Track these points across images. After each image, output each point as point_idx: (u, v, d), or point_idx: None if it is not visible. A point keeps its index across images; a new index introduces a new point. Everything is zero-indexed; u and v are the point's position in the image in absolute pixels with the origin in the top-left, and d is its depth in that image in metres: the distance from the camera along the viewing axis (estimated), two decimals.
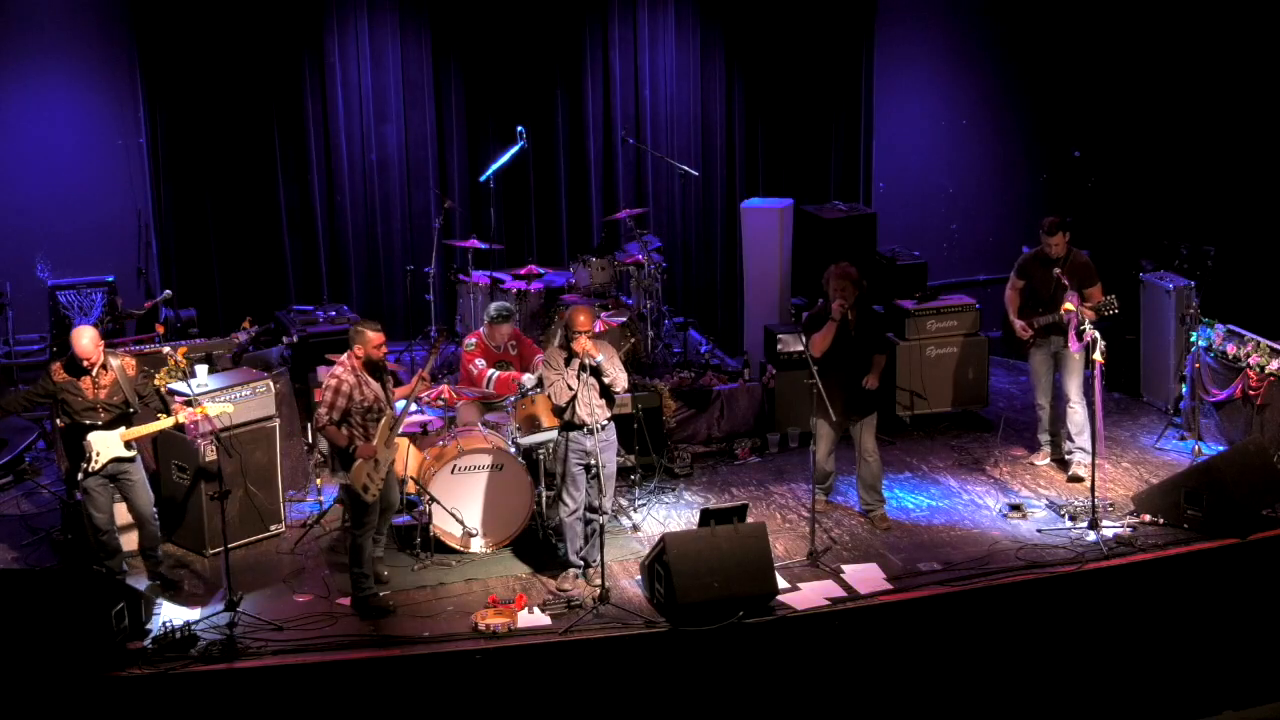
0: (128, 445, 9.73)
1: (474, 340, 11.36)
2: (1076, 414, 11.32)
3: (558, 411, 9.91)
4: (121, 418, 9.74)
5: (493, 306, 11.36)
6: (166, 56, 13.29)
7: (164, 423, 9.83)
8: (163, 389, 10.19)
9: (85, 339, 9.60)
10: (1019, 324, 11.46)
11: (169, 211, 13.54)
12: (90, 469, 9.60)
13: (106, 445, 9.64)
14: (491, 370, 11.15)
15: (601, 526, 9.95)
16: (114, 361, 9.74)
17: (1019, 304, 11.51)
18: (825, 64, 14.80)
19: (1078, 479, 11.26)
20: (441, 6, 13.96)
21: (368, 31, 13.84)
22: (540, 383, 10.13)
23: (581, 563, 10.07)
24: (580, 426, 9.79)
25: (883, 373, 10.83)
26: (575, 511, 9.94)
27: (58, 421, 9.89)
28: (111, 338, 12.23)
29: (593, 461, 9.80)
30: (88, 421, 9.63)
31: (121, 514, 10.06)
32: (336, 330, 12.17)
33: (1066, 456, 11.54)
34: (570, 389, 9.72)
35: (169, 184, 13.50)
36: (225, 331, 12.22)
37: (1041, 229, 11.31)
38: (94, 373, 9.63)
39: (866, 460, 10.84)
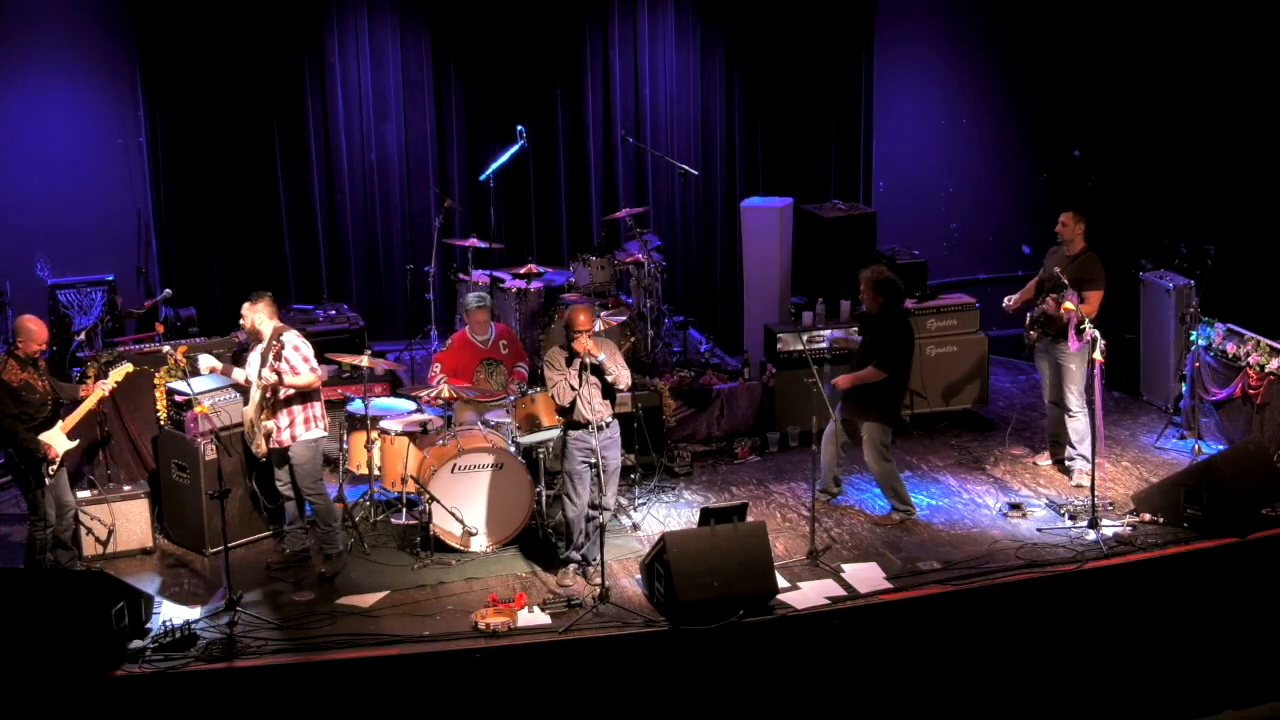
0: (70, 435, 9.74)
1: (451, 339, 11.44)
2: (1077, 423, 11.25)
3: (561, 411, 9.91)
4: (55, 410, 9.75)
5: (469, 296, 11.47)
6: (166, 56, 13.28)
7: (90, 401, 9.82)
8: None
9: (38, 326, 9.61)
10: (1011, 299, 11.45)
11: (169, 211, 13.54)
12: (53, 469, 9.60)
13: (56, 441, 9.65)
14: (441, 376, 11.11)
15: (602, 526, 9.96)
16: None
17: (1028, 293, 11.46)
18: (825, 63, 14.79)
19: (1080, 486, 11.22)
20: (441, 6, 13.95)
21: (368, 31, 13.83)
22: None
23: (580, 558, 10.08)
24: (584, 425, 9.80)
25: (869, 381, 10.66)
26: (580, 510, 9.96)
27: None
28: (111, 336, 12.25)
29: (595, 460, 9.81)
30: (42, 418, 9.62)
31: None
32: (336, 329, 12.17)
33: (1068, 462, 11.51)
34: (573, 389, 9.72)
35: (169, 183, 13.49)
36: (225, 331, 12.22)
37: None
38: (37, 366, 9.65)
39: (867, 463, 10.89)
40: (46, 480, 9.63)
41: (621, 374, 9.86)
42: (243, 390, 10.28)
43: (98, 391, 9.81)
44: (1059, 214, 11.42)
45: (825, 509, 11.02)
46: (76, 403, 9.83)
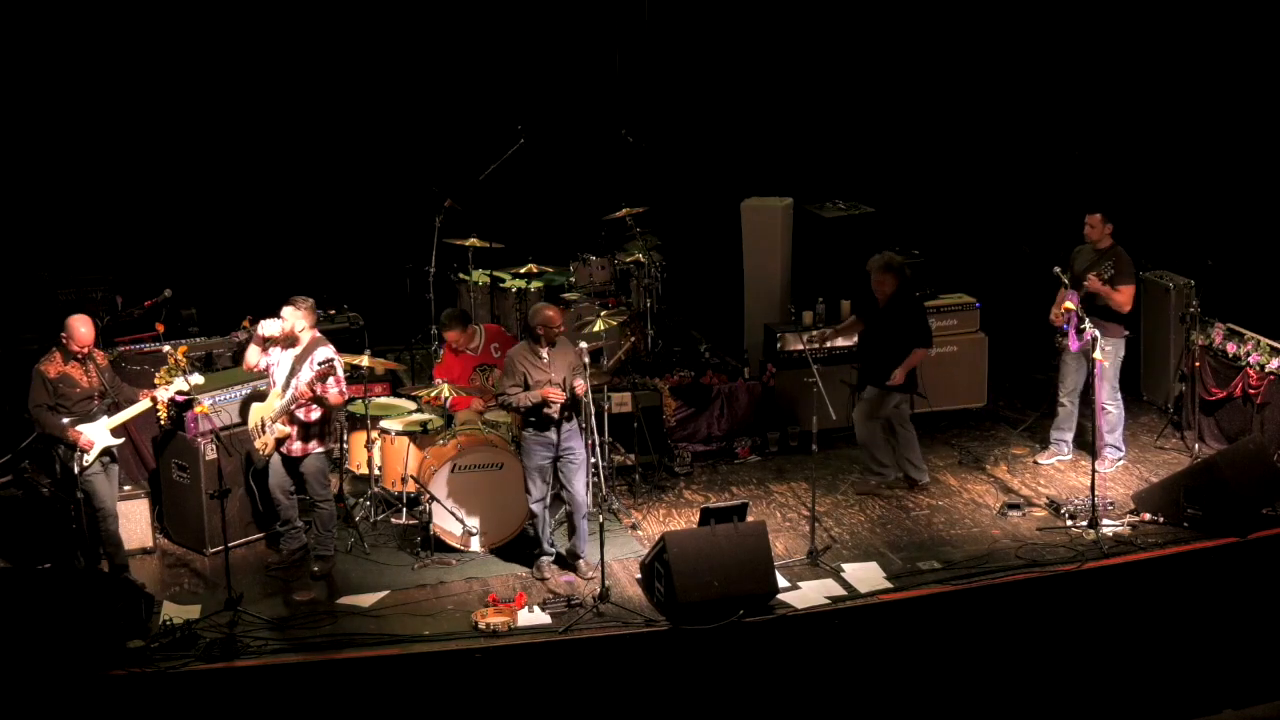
0: (114, 433, 9.75)
1: (442, 352, 11.48)
2: (1111, 415, 11.35)
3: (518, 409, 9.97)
4: (107, 407, 9.76)
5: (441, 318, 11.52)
6: (166, 53, 13.28)
7: (143, 405, 9.83)
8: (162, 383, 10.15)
9: (85, 326, 9.67)
10: (1055, 310, 11.41)
11: (169, 210, 13.52)
12: (85, 462, 9.61)
13: (95, 434, 9.66)
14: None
15: (602, 525, 9.95)
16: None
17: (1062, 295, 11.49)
18: (826, 61, 14.77)
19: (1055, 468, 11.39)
20: (442, 5, 13.94)
21: (367, 29, 13.83)
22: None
23: (552, 550, 10.17)
24: (547, 422, 9.86)
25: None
26: (541, 500, 10.03)
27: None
28: (111, 336, 12.23)
29: (559, 454, 9.93)
30: (85, 411, 9.65)
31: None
32: (336, 329, 12.16)
33: (1102, 451, 11.42)
34: (530, 401, 9.77)
35: (169, 182, 13.48)
36: (225, 330, 12.21)
37: None
38: (85, 363, 9.66)
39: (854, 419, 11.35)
40: (76, 469, 9.63)
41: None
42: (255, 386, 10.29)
43: (149, 400, 9.81)
44: (1058, 212, 11.45)
45: (826, 509, 11.02)
46: (131, 402, 9.86)
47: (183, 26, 13.26)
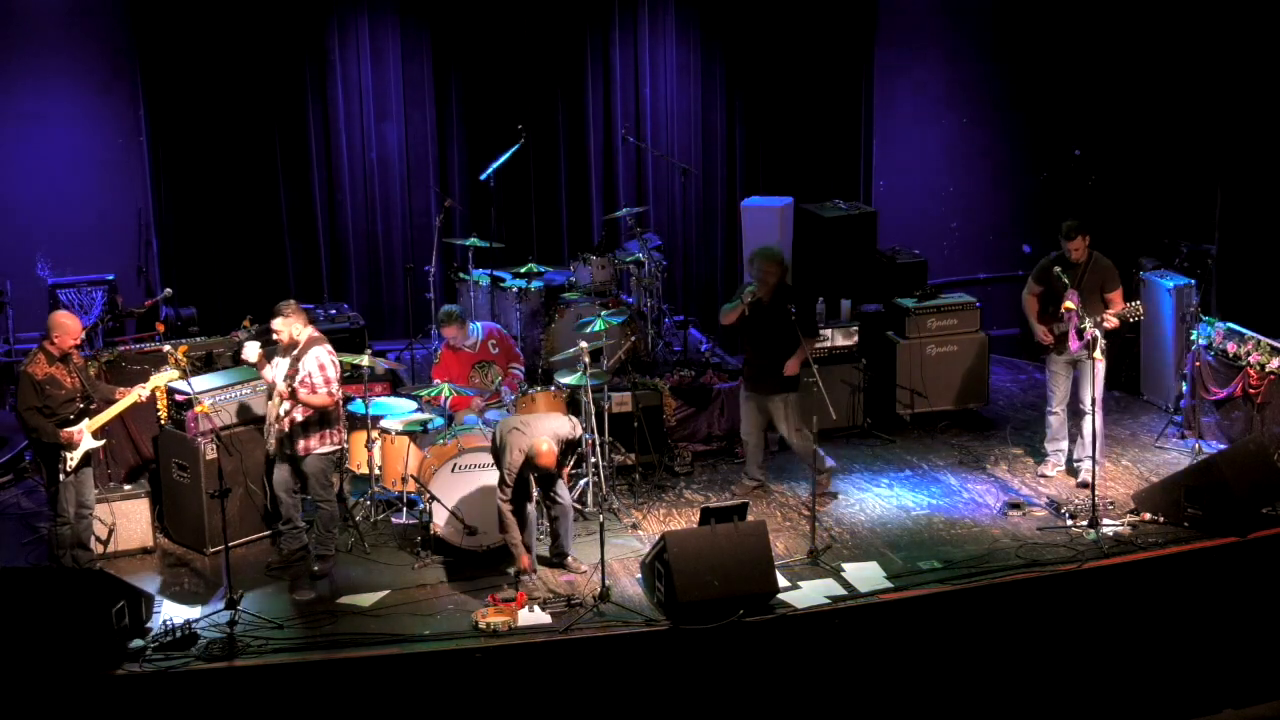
0: (95, 435, 9.75)
1: (440, 352, 11.48)
2: (1094, 422, 11.25)
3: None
4: (86, 409, 9.76)
5: (440, 312, 11.53)
6: (167, 55, 13.26)
7: (122, 404, 9.82)
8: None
9: (71, 319, 9.67)
10: (1040, 329, 11.31)
11: (169, 210, 13.53)
12: (70, 465, 9.61)
13: (82, 439, 9.66)
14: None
15: (602, 525, 9.95)
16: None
17: (1038, 309, 11.37)
18: (826, 62, 14.77)
19: (1086, 484, 11.16)
20: (442, 5, 13.94)
21: (368, 30, 13.83)
22: None
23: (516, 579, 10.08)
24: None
25: (814, 366, 11.01)
26: (528, 524, 9.99)
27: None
28: (112, 336, 12.25)
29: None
30: (67, 414, 9.64)
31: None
32: (336, 329, 12.17)
33: (1075, 464, 11.48)
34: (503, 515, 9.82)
35: (169, 182, 13.49)
36: (225, 330, 12.23)
37: (1060, 234, 11.22)
38: (68, 363, 9.67)
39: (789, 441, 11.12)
40: (61, 475, 9.64)
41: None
42: (270, 387, 10.30)
43: (133, 395, 9.79)
44: (1059, 212, 11.41)
45: (826, 508, 11.02)
46: (109, 402, 9.84)
47: (185, 24, 13.25)
